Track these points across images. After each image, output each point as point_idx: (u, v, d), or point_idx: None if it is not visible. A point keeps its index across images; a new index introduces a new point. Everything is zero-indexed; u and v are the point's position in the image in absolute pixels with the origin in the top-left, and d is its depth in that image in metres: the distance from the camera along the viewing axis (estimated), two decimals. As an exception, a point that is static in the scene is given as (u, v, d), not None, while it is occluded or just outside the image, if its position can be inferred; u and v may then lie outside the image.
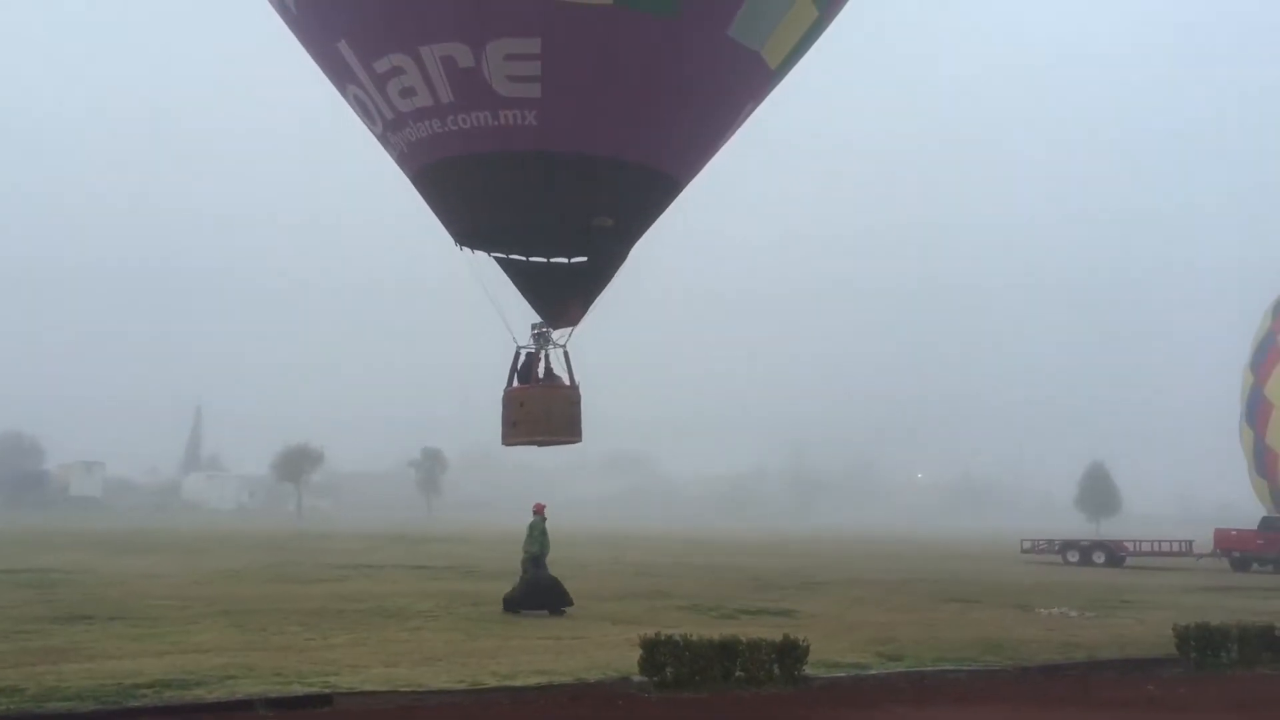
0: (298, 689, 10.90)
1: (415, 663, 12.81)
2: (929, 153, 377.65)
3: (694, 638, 11.46)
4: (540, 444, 19.07)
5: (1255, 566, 39.01)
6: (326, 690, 10.83)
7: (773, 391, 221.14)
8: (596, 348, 20.58)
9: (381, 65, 16.05)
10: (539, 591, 18.68)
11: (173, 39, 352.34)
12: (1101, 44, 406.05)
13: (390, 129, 17.01)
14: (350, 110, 17.79)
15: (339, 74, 17.04)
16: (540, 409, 18.22)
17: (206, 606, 18.96)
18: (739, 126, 18.18)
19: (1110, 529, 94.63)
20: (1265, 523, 40.61)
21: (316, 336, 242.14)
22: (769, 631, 12.94)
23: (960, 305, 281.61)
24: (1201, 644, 13.69)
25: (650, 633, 11.62)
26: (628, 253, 18.51)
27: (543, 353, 18.53)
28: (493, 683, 11.50)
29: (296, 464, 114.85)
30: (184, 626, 16.10)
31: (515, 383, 18.54)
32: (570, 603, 18.68)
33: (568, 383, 18.42)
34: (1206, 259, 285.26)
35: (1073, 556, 42.43)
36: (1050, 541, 44.96)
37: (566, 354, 18.52)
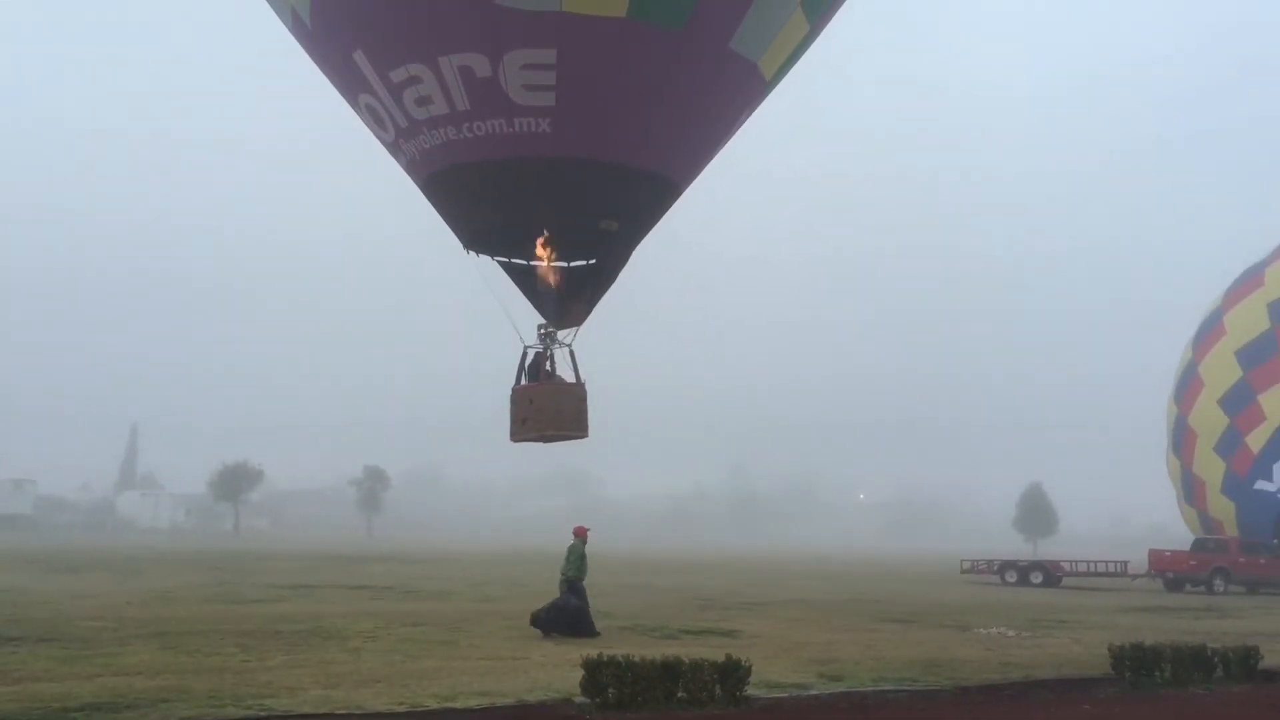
0: (232, 712, 10.72)
1: (354, 685, 12.64)
2: (875, 182, 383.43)
3: (636, 658, 11.39)
4: (549, 439, 19.15)
5: (1188, 587, 39.73)
6: (262, 713, 10.67)
7: (714, 410, 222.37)
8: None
9: (398, 75, 16.37)
10: (564, 616, 18.67)
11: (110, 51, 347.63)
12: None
13: (403, 136, 17.36)
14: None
15: (351, 84, 17.37)
16: (550, 405, 18.37)
17: (139, 628, 18.57)
18: (734, 134, 18.72)
19: (1047, 549, 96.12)
20: (1198, 544, 41.45)
21: (256, 352, 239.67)
22: (711, 652, 12.95)
23: (901, 329, 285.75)
24: (1136, 664, 13.87)
25: (592, 653, 11.57)
26: (630, 254, 18.87)
27: (549, 351, 18.66)
28: (433, 704, 11.37)
29: (234, 482, 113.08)
30: (116, 648, 15.75)
31: (524, 381, 18.66)
32: (594, 633, 18.50)
33: (573, 380, 18.59)
34: (1141, 287, 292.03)
35: (1011, 577, 42.99)
36: (989, 562, 45.49)
37: (572, 352, 18.68)
